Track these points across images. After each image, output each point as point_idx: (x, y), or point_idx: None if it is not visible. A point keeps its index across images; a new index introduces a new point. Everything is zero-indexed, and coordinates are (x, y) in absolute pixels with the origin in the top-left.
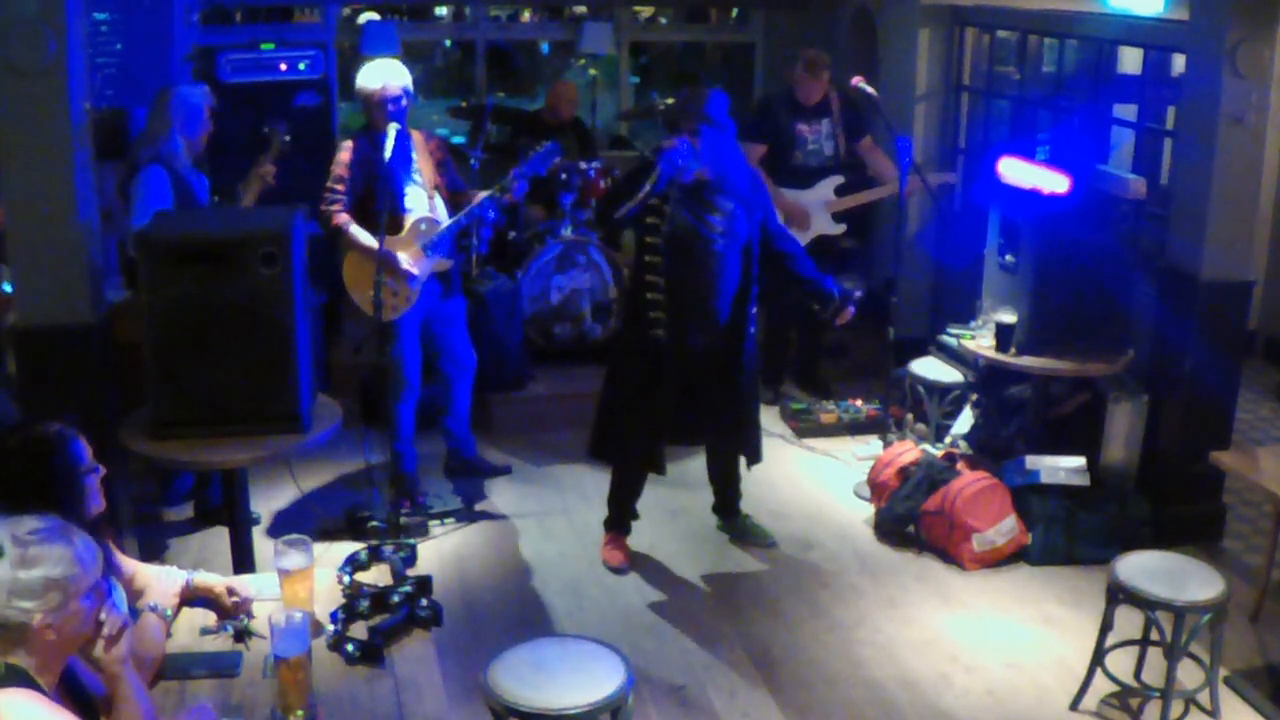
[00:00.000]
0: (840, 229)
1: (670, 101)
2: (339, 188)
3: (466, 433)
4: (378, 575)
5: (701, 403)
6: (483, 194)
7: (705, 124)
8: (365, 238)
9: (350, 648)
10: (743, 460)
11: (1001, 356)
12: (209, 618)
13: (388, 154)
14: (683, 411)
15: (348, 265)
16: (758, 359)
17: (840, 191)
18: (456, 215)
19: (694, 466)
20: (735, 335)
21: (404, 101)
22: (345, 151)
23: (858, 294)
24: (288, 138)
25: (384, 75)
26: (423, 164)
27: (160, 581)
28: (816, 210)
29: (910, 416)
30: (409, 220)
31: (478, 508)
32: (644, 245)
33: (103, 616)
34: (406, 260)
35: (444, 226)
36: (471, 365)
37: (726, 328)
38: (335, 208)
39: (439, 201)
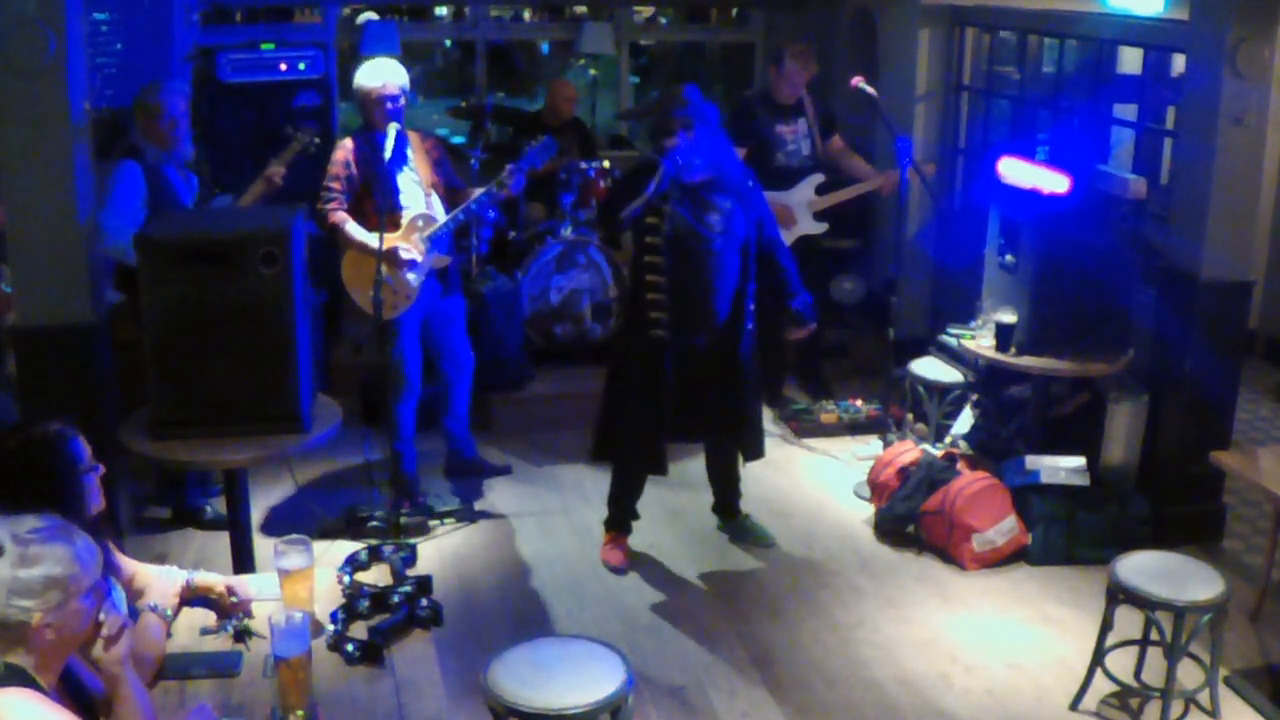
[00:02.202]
0: (823, 228)
1: (653, 110)
2: (335, 186)
3: (466, 433)
4: (378, 575)
5: (701, 400)
6: (479, 190)
7: (694, 115)
8: (362, 235)
9: (350, 648)
10: (742, 458)
11: (1001, 356)
12: (209, 618)
13: (388, 153)
14: (683, 409)
15: (346, 264)
16: (757, 357)
17: (821, 190)
18: (454, 211)
19: (694, 466)
20: (734, 333)
21: (401, 101)
22: (342, 150)
23: (812, 324)
24: (318, 140)
25: (382, 74)
26: (419, 162)
27: (160, 581)
28: (798, 210)
29: (910, 416)
30: (405, 217)
31: (478, 508)
32: (644, 246)
33: (102, 617)
34: (405, 256)
35: (441, 223)
36: (469, 365)
37: (725, 326)
38: (332, 206)
39: (435, 199)
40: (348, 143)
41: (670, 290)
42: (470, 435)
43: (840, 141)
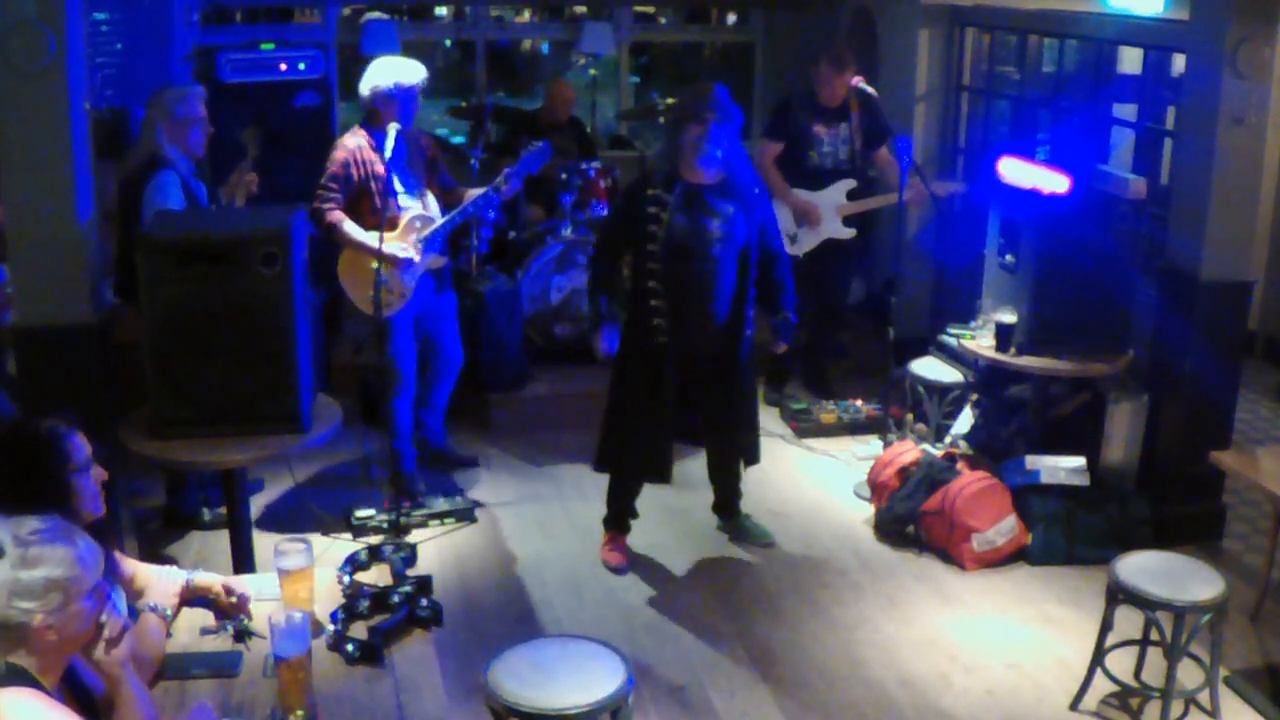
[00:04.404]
0: (850, 233)
1: (682, 98)
2: (333, 186)
3: (439, 424)
4: (378, 575)
5: (700, 403)
6: (475, 192)
7: (721, 111)
8: (359, 234)
9: (350, 648)
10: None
11: (1001, 356)
12: (209, 618)
13: (388, 153)
14: (683, 411)
15: (342, 263)
16: (754, 360)
17: (852, 196)
18: (450, 213)
19: (694, 466)
20: (732, 337)
21: (417, 99)
22: (342, 150)
23: (785, 343)
24: (257, 139)
25: (412, 71)
26: (416, 163)
27: (160, 581)
28: (827, 213)
29: (910, 416)
30: (404, 218)
31: (478, 508)
32: (643, 250)
33: (104, 618)
34: (403, 256)
35: (438, 224)
36: (459, 362)
37: (724, 330)
38: (328, 206)
39: (431, 199)
40: (348, 142)
41: (669, 296)
42: (443, 427)
43: (888, 153)
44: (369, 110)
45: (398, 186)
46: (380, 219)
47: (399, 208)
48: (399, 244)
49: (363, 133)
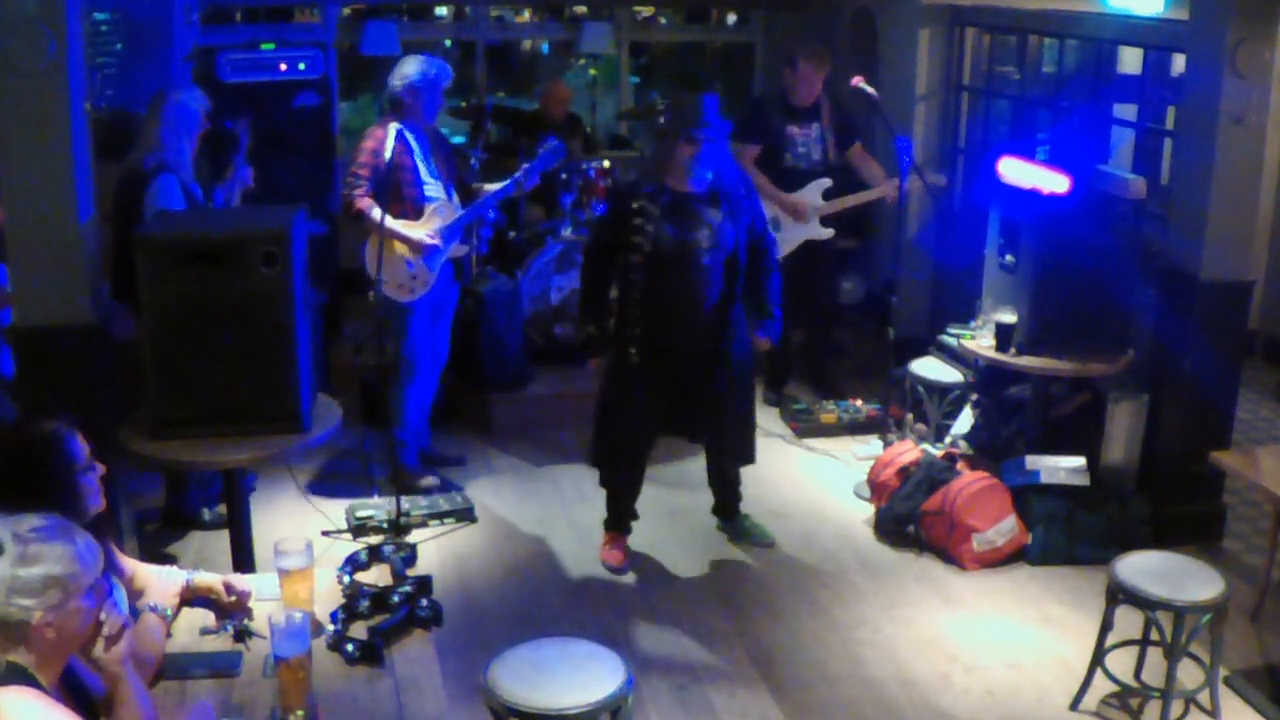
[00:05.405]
0: (828, 233)
1: (663, 107)
2: (363, 174)
3: (424, 425)
4: (378, 575)
5: (691, 403)
6: (495, 186)
7: (716, 131)
8: (390, 222)
9: (350, 648)
10: (730, 461)
11: (1001, 356)
12: (209, 618)
13: (387, 152)
14: (674, 410)
15: (370, 248)
16: (748, 361)
17: (828, 195)
18: (473, 203)
19: (694, 467)
20: (719, 339)
21: (442, 96)
22: (372, 140)
23: (771, 340)
24: (246, 129)
25: (440, 69)
26: (437, 156)
27: (160, 581)
28: (805, 214)
29: (910, 416)
30: (429, 208)
31: (478, 508)
32: (629, 259)
33: (103, 616)
34: (430, 242)
35: (461, 213)
36: (444, 359)
37: (709, 333)
38: (358, 193)
39: (453, 191)
40: (377, 131)
41: (655, 303)
42: (427, 426)
43: (861, 149)
44: (395, 101)
45: (424, 177)
46: (385, 203)
47: (425, 198)
48: (424, 231)
49: (390, 123)
